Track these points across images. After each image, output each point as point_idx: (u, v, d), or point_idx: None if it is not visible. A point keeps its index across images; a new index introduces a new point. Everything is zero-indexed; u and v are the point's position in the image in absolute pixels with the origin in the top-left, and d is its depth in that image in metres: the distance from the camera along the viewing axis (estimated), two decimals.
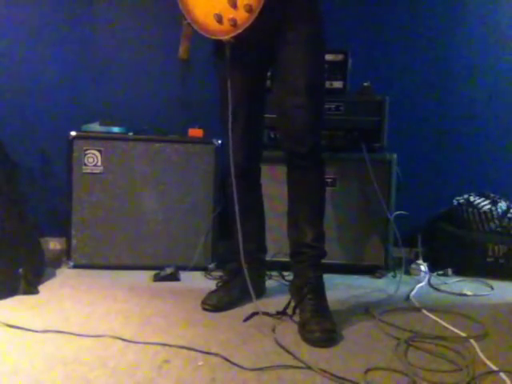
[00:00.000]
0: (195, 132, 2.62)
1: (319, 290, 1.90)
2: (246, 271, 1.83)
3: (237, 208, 1.85)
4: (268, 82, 2.02)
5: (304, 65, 1.84)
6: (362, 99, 2.60)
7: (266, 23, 1.73)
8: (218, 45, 1.88)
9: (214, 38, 1.81)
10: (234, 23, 1.74)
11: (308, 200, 1.95)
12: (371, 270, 2.58)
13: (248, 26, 1.72)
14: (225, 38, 1.77)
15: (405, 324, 1.88)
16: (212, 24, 1.78)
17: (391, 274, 2.58)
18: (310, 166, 1.92)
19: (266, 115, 2.07)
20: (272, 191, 2.40)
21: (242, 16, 1.73)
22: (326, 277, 1.97)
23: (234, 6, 1.73)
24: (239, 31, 1.74)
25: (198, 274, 2.50)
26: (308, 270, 1.92)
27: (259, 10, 1.70)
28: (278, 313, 1.91)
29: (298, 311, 1.87)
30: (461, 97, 3.01)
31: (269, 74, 2.01)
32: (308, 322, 1.76)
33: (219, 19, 1.76)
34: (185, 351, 1.60)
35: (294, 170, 1.95)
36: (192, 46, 1.98)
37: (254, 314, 1.89)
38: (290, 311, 1.90)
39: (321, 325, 1.73)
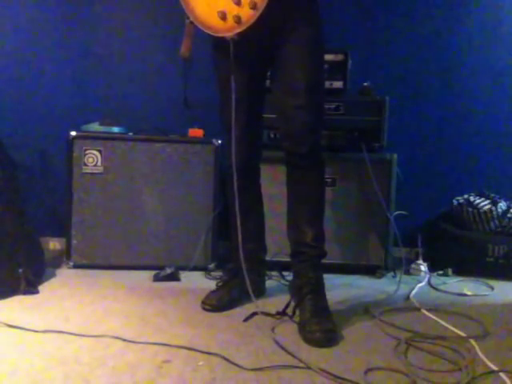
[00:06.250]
0: (195, 132, 2.62)
1: (319, 290, 1.90)
2: (245, 271, 1.83)
3: (237, 207, 1.85)
4: (267, 82, 2.01)
5: (304, 65, 1.83)
6: (362, 99, 2.60)
7: (268, 21, 1.72)
8: (219, 43, 1.86)
9: (217, 35, 1.79)
10: (238, 20, 1.73)
11: (308, 200, 1.95)
12: (371, 270, 2.58)
13: (252, 23, 1.71)
14: (229, 35, 1.77)
15: (405, 324, 1.88)
16: (215, 21, 1.76)
17: (391, 273, 2.58)
18: (309, 166, 1.91)
19: (266, 115, 2.06)
20: (272, 191, 2.40)
21: (246, 13, 1.72)
22: (326, 277, 1.97)
23: (238, 2, 1.72)
24: (243, 28, 1.73)
25: (198, 274, 2.50)
26: (308, 269, 1.91)
27: (264, 7, 1.69)
28: (278, 313, 1.90)
29: (297, 311, 1.87)
30: (461, 97, 3.01)
31: (268, 73, 2.01)
32: (308, 322, 1.76)
33: (223, 16, 1.74)
34: (185, 351, 1.60)
35: (293, 170, 1.95)
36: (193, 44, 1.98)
37: (254, 313, 1.89)
38: (289, 311, 1.89)
39: (321, 325, 1.73)
